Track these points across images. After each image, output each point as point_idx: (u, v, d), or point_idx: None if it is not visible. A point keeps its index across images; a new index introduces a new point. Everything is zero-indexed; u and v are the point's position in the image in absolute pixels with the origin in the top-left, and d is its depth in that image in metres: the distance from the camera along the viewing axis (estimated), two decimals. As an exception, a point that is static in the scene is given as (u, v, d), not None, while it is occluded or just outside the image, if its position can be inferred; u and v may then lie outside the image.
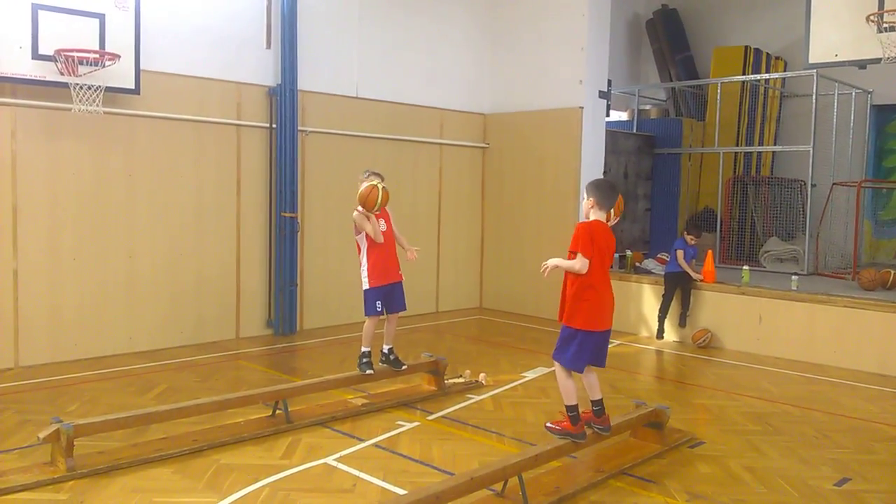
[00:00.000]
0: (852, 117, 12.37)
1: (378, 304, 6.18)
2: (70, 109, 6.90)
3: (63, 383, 6.67)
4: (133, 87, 7.41)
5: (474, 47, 11.21)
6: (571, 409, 4.68)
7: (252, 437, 5.29)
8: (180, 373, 7.16)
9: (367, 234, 6.12)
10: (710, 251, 9.57)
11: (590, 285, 4.62)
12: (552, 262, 4.76)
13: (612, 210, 4.83)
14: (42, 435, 4.57)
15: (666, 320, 9.23)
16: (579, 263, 4.59)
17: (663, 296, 9.21)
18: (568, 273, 4.70)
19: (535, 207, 10.73)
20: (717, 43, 13.97)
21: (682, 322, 9.19)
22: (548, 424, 4.79)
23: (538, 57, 10.65)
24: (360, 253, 6.24)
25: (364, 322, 6.28)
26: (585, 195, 4.82)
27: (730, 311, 8.91)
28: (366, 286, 6.18)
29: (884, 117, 13.13)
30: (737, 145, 12.89)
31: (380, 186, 5.98)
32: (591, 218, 4.76)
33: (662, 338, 9.20)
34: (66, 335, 7.43)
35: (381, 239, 6.12)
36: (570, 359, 4.65)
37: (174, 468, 4.74)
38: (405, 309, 6.42)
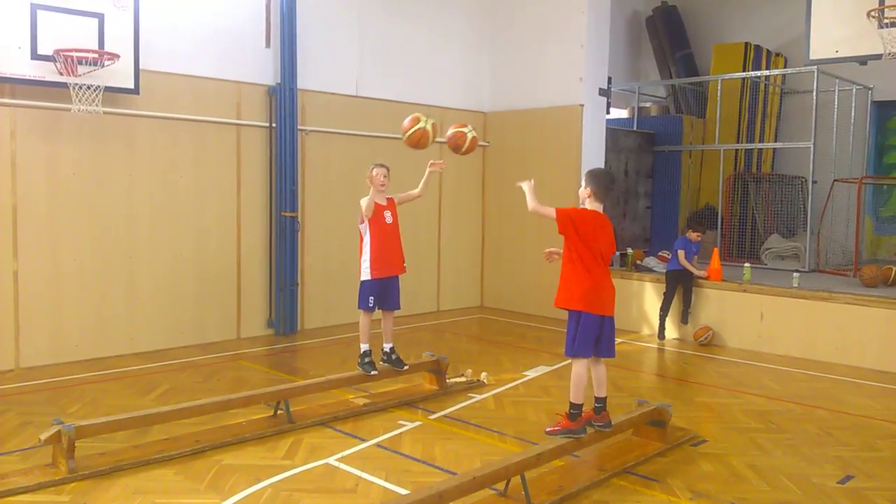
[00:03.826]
0: (853, 114, 12.37)
1: (371, 299, 6.16)
2: (69, 109, 6.88)
3: (64, 384, 6.66)
4: (132, 86, 7.40)
5: (474, 45, 11.19)
6: (575, 406, 4.68)
7: (254, 438, 5.28)
8: (181, 373, 7.15)
9: (369, 223, 6.10)
10: (715, 249, 9.55)
11: (579, 265, 4.62)
12: (529, 195, 4.78)
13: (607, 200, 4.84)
14: (43, 436, 4.56)
15: (667, 319, 9.22)
16: (536, 207, 4.68)
17: (664, 294, 9.19)
18: (564, 260, 4.70)
19: (535, 205, 10.68)
20: (717, 40, 13.96)
21: (684, 319, 9.17)
22: (548, 430, 4.79)
23: (538, 55, 10.64)
24: (361, 243, 6.23)
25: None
26: (583, 183, 4.81)
27: (731, 308, 8.90)
28: (366, 277, 6.15)
29: (884, 113, 13.11)
30: (737, 142, 12.88)
31: (427, 125, 5.96)
32: (588, 207, 4.76)
33: (664, 338, 9.18)
34: (66, 336, 7.42)
35: (369, 213, 6.08)
36: (572, 344, 4.65)
37: (176, 469, 4.73)
38: (399, 308, 6.39)
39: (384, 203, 6.25)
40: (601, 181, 4.78)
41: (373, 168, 6.23)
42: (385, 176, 6.22)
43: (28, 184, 7.13)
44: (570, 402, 4.70)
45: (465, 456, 5.05)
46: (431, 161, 6.42)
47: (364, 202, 6.07)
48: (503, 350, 8.47)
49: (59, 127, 7.26)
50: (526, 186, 4.85)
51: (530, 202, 4.76)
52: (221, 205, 8.53)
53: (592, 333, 4.66)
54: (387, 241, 6.20)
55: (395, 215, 6.29)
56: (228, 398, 5.61)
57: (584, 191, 4.80)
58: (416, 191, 6.45)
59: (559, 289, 4.73)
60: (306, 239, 9.23)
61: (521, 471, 4.29)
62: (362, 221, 6.16)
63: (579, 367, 4.69)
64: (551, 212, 4.65)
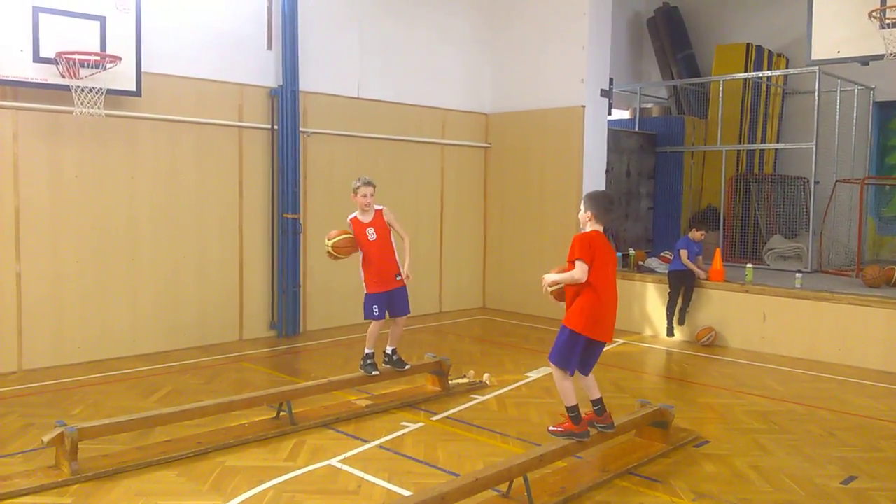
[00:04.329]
0: (855, 114, 12.35)
1: (375, 308, 6.15)
2: (72, 112, 6.90)
3: (67, 386, 6.67)
4: (134, 89, 7.41)
5: (476, 47, 11.20)
6: (572, 409, 4.68)
7: (256, 439, 5.28)
8: (184, 375, 7.15)
9: (360, 243, 6.13)
10: (717, 250, 9.54)
11: (593, 290, 4.59)
12: (549, 277, 4.70)
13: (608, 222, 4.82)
14: (46, 438, 4.56)
15: (674, 317, 9.22)
16: (578, 272, 4.55)
17: (669, 294, 9.18)
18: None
19: (537, 207, 10.72)
20: (719, 40, 13.95)
21: (681, 320, 9.16)
22: (550, 428, 4.79)
23: (540, 56, 10.64)
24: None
25: (369, 324, 6.28)
26: (583, 207, 4.80)
27: (734, 309, 8.89)
28: (365, 291, 6.20)
29: (886, 114, 13.09)
30: (739, 143, 12.87)
31: (329, 244, 6.06)
32: (588, 229, 4.75)
33: (673, 335, 9.16)
34: (69, 338, 7.43)
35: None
36: (564, 360, 4.64)
37: (178, 471, 4.74)
38: (408, 313, 6.39)
39: (368, 220, 6.17)
40: (601, 203, 4.76)
41: (358, 186, 6.13)
42: (371, 195, 6.14)
43: (30, 186, 7.15)
44: (566, 407, 4.70)
45: (468, 457, 5.05)
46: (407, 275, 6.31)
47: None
48: (505, 351, 8.46)
49: (62, 129, 7.28)
50: (554, 277, 4.69)
51: (565, 279, 4.62)
52: (223, 207, 8.53)
53: (587, 355, 4.68)
54: (374, 258, 6.15)
55: (380, 229, 6.18)
56: (231, 400, 5.60)
57: (584, 214, 4.78)
58: (404, 238, 6.33)
59: (570, 307, 4.70)
60: (308, 241, 9.23)
61: (524, 472, 4.29)
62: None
63: (558, 373, 4.69)
64: (579, 264, 4.53)
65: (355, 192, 6.15)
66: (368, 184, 6.16)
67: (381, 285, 6.17)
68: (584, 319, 4.59)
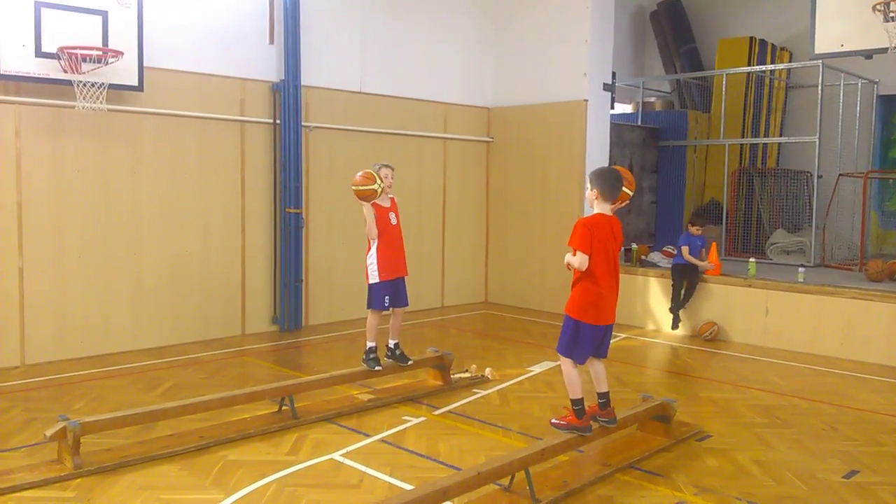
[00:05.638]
0: (858, 108, 12.30)
1: (387, 298, 6.17)
2: (74, 107, 6.90)
3: (69, 381, 6.69)
4: (136, 83, 7.41)
5: (478, 41, 11.17)
6: (576, 402, 4.67)
7: (258, 434, 5.29)
8: (186, 370, 7.16)
9: (383, 227, 6.11)
10: (714, 243, 9.53)
11: (589, 277, 4.58)
12: (566, 259, 4.69)
13: (617, 199, 4.78)
14: (49, 433, 4.57)
15: (681, 312, 9.21)
16: (577, 261, 4.54)
17: (672, 287, 9.16)
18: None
19: (539, 201, 10.70)
20: (722, 34, 13.91)
21: (676, 317, 9.16)
22: (552, 421, 4.78)
23: (542, 50, 10.61)
24: (369, 244, 6.23)
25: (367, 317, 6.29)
26: (589, 185, 4.76)
27: (736, 303, 8.88)
28: (375, 279, 6.17)
29: (890, 107, 13.04)
30: (742, 137, 12.83)
31: (377, 182, 5.96)
32: (595, 209, 4.71)
33: (678, 328, 9.15)
34: (71, 333, 7.44)
35: (374, 235, 6.10)
36: (569, 349, 4.64)
37: (181, 465, 4.75)
38: (408, 304, 6.42)
39: (388, 205, 6.24)
40: (607, 180, 4.70)
41: (379, 168, 6.17)
42: (392, 177, 6.24)
43: (33, 181, 7.15)
44: (571, 400, 4.70)
45: (470, 451, 5.05)
46: None
47: (365, 210, 6.07)
48: (507, 346, 8.47)
49: (64, 124, 7.28)
50: (567, 260, 4.66)
51: (572, 263, 4.59)
52: (226, 201, 8.53)
53: (592, 342, 4.66)
54: (395, 243, 6.22)
55: (398, 216, 6.30)
56: (233, 394, 5.62)
57: (590, 193, 4.73)
58: None
59: (570, 294, 4.71)
60: (310, 235, 9.23)
61: (526, 466, 4.29)
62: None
63: (567, 365, 4.68)
64: (579, 255, 4.50)
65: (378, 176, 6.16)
66: (388, 166, 6.25)
67: (394, 272, 6.21)
68: (582, 306, 4.60)
